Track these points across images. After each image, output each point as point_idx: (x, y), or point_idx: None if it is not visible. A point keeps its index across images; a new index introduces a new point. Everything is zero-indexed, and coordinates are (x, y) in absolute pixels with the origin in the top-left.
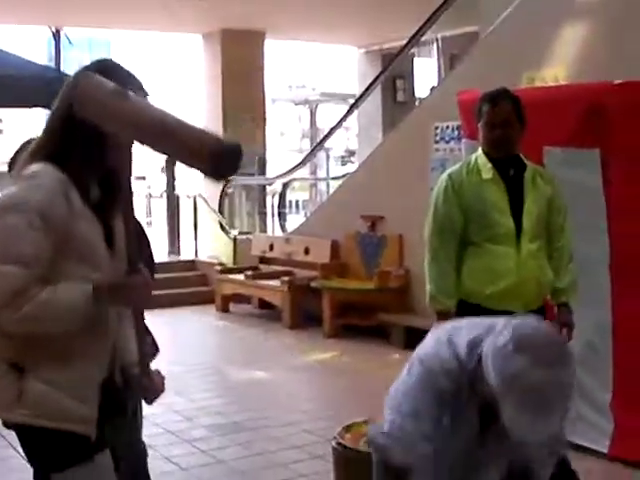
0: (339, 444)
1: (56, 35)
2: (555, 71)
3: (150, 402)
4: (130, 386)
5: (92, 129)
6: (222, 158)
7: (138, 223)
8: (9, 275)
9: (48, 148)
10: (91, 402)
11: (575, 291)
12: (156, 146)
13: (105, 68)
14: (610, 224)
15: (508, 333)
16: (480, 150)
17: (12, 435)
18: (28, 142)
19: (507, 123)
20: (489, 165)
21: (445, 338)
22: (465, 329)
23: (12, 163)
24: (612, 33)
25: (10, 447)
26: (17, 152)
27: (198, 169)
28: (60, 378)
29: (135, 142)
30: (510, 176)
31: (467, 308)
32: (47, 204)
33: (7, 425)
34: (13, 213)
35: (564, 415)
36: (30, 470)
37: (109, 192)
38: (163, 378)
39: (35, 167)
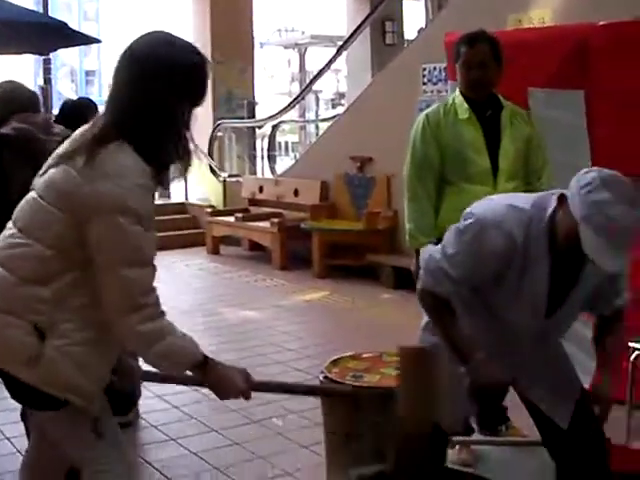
0: (326, 378)
1: None
2: (541, 12)
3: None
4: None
5: (166, 111)
6: None
7: None
8: (138, 278)
9: (123, 128)
10: (97, 384)
11: None
12: None
13: (163, 43)
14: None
15: (595, 173)
16: (457, 91)
17: None
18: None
19: (484, 64)
20: (465, 105)
21: (505, 202)
22: (522, 196)
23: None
24: None
25: None
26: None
27: None
28: (78, 354)
29: None
30: (487, 116)
31: None
32: (147, 204)
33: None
34: (126, 215)
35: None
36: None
37: (163, 169)
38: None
39: (122, 159)
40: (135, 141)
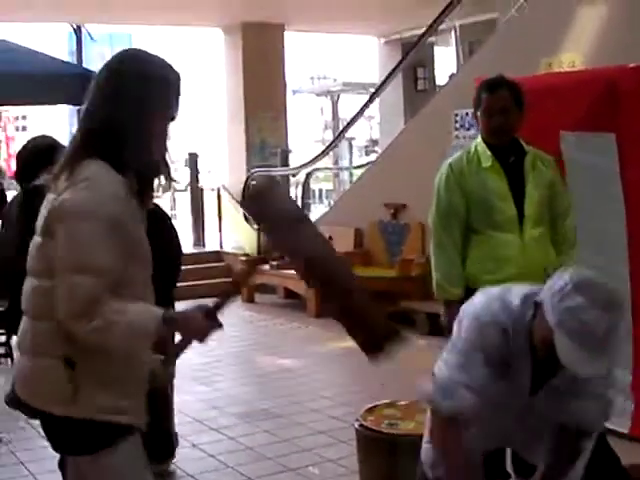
0: (362, 426)
1: (77, 31)
2: (572, 56)
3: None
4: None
5: (139, 122)
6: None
7: (164, 213)
8: (84, 285)
9: (97, 145)
10: (139, 396)
11: None
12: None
13: (137, 59)
14: (628, 207)
15: (568, 276)
16: (480, 138)
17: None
18: (34, 140)
19: (506, 110)
20: (488, 153)
21: (497, 295)
22: (515, 289)
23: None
24: (628, 16)
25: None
26: (26, 151)
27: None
28: (111, 380)
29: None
30: (510, 163)
31: (473, 295)
32: (116, 211)
33: (27, 411)
34: (86, 221)
35: (611, 360)
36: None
37: (146, 183)
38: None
39: (91, 169)
40: (107, 156)
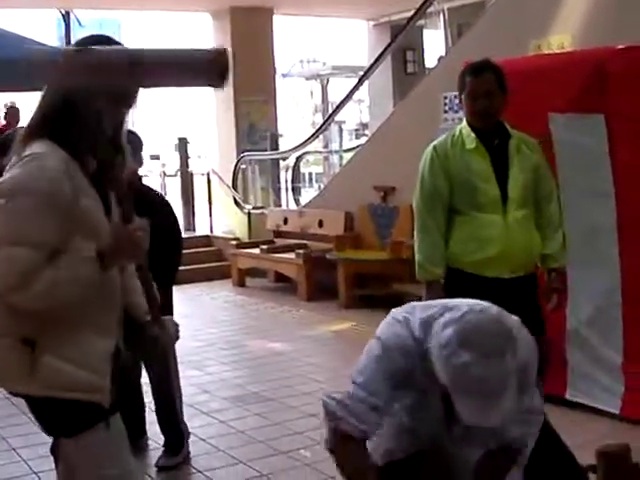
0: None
1: (66, 17)
2: (561, 38)
3: (162, 352)
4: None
5: (88, 103)
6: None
7: (164, 199)
8: (19, 257)
9: (46, 126)
10: (103, 372)
11: (564, 256)
12: (155, 82)
13: (95, 43)
14: (617, 189)
15: (451, 329)
16: (465, 121)
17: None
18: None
19: (490, 93)
20: (473, 135)
21: (401, 317)
22: (419, 309)
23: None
24: None
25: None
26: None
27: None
28: (72, 351)
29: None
30: (495, 145)
31: (455, 275)
32: (53, 185)
33: (15, 395)
34: (21, 196)
35: (514, 397)
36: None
37: (103, 163)
38: (177, 325)
39: (36, 147)
40: (55, 137)
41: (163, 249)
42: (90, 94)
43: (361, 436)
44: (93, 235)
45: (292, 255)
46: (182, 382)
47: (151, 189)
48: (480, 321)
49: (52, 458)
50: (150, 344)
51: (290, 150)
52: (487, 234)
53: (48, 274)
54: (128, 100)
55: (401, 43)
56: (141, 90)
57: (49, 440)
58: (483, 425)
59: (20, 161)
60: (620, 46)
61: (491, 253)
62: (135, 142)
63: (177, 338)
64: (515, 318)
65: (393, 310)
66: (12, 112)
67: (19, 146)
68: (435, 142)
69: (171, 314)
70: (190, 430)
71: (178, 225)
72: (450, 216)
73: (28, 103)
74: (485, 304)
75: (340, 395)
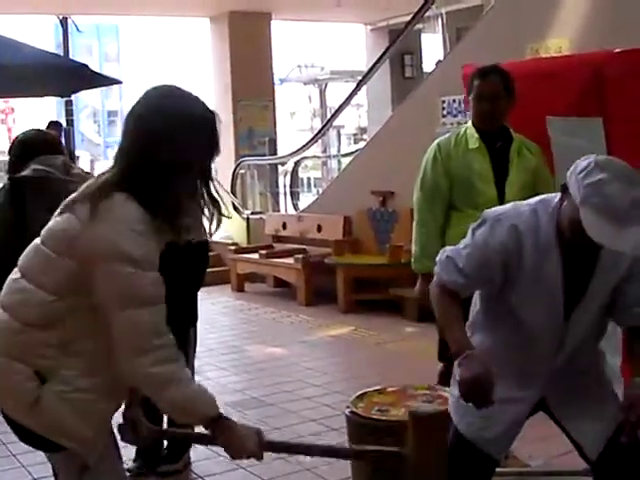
0: (352, 412)
1: (63, 22)
2: (559, 42)
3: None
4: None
5: (169, 164)
6: None
7: None
8: (143, 317)
9: (130, 182)
10: (101, 430)
11: None
12: None
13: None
14: None
15: (591, 158)
16: (470, 122)
17: None
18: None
19: (495, 96)
20: (476, 136)
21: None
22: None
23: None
24: (614, 1)
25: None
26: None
27: None
28: (78, 401)
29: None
30: (497, 148)
31: None
32: (144, 250)
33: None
34: (125, 264)
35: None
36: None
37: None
38: None
39: (122, 207)
40: (139, 193)
41: (198, 267)
42: (176, 150)
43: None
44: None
45: (291, 260)
46: None
47: None
48: (617, 160)
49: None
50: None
51: (288, 155)
52: None
53: (184, 386)
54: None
55: (399, 47)
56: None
57: None
58: (611, 247)
59: (105, 223)
60: (617, 49)
61: None
62: None
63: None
64: None
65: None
66: (54, 127)
67: (95, 195)
68: (439, 140)
69: (196, 319)
70: None
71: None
72: (448, 212)
73: (23, 108)
74: None
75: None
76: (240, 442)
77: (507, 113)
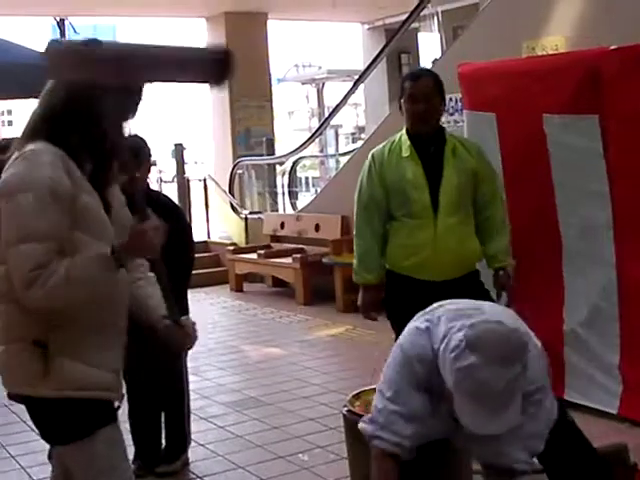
0: (349, 411)
1: (60, 24)
2: (554, 39)
3: (183, 350)
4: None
5: (89, 104)
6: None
7: (170, 199)
8: (28, 252)
9: (44, 127)
10: (115, 370)
11: (508, 256)
12: (156, 77)
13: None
14: (612, 189)
15: (461, 333)
16: (404, 129)
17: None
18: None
19: (428, 97)
20: (408, 143)
21: (424, 326)
22: (444, 320)
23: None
24: None
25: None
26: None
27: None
28: (84, 351)
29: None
30: (431, 152)
31: (394, 277)
32: (53, 180)
33: (15, 398)
34: (23, 192)
35: (516, 413)
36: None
37: (101, 164)
38: (194, 324)
39: (31, 146)
40: (52, 139)
41: (175, 253)
42: (92, 95)
43: (395, 451)
44: (95, 230)
45: (289, 260)
46: None
47: (161, 193)
48: (493, 329)
49: (51, 465)
50: (170, 345)
51: (286, 155)
52: (417, 240)
53: (62, 270)
54: (129, 103)
55: (396, 46)
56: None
57: (47, 447)
58: (482, 433)
59: (16, 159)
60: (613, 46)
61: (420, 258)
62: (141, 148)
63: (195, 338)
64: (535, 341)
65: (418, 315)
66: None
67: (16, 147)
68: (374, 150)
69: (186, 312)
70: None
71: (190, 229)
72: (389, 222)
73: (24, 110)
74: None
75: (369, 415)
76: (141, 235)
77: (440, 114)
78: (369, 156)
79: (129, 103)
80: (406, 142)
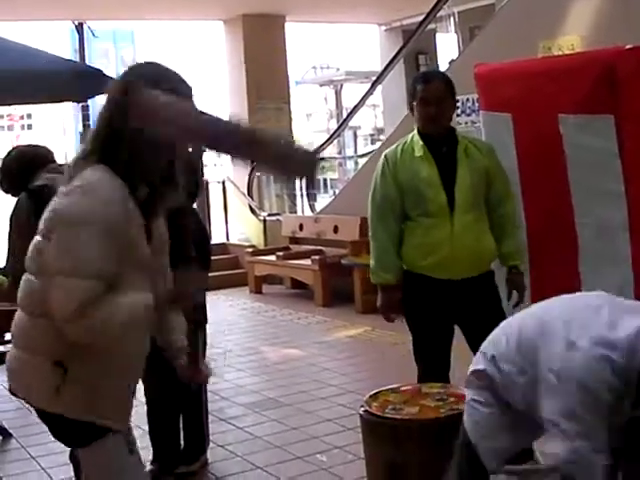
0: (366, 412)
1: (79, 28)
2: (570, 39)
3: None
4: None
5: (141, 132)
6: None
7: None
8: (77, 289)
9: (100, 152)
10: (127, 403)
11: (522, 254)
12: (238, 155)
13: (155, 73)
14: (628, 189)
15: None
16: (415, 129)
17: None
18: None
19: (440, 100)
20: (421, 143)
21: (599, 355)
22: (620, 324)
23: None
24: None
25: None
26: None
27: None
28: (100, 381)
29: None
30: (443, 153)
31: (411, 278)
32: (108, 215)
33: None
34: (80, 226)
35: None
36: None
37: (155, 191)
38: (208, 369)
39: (90, 175)
40: (111, 162)
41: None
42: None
43: None
44: (139, 265)
45: (308, 261)
46: None
47: None
48: None
49: (71, 466)
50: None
51: None
52: (434, 239)
53: (106, 308)
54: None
55: (413, 47)
56: None
57: (68, 448)
58: None
59: (76, 189)
60: (629, 46)
61: (439, 257)
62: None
63: (207, 377)
64: None
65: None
66: None
67: (72, 171)
68: (386, 151)
69: (205, 320)
70: (209, 437)
71: (206, 231)
72: (404, 222)
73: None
74: None
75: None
76: (175, 295)
77: (451, 116)
78: (382, 157)
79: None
80: (418, 142)
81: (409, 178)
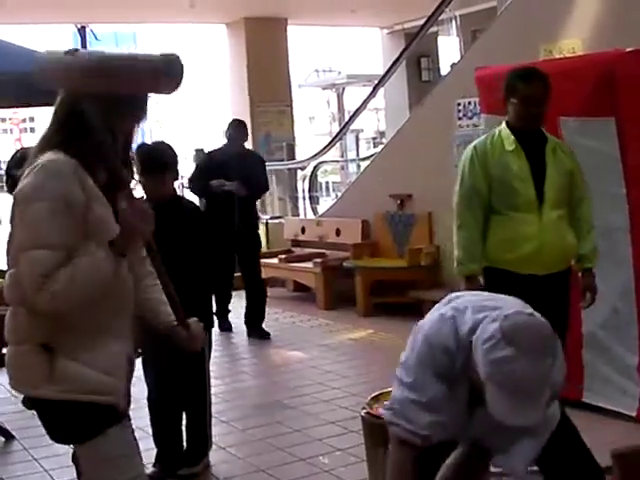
0: (367, 413)
1: (82, 31)
2: (571, 42)
3: (191, 351)
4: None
5: (97, 115)
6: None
7: (192, 203)
8: (39, 259)
9: (56, 138)
10: (119, 374)
11: (596, 257)
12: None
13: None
14: (629, 191)
15: (497, 324)
16: (504, 123)
17: None
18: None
19: (541, 102)
20: (512, 137)
21: (449, 314)
22: (470, 310)
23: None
24: (625, 1)
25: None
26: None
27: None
28: (88, 354)
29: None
30: (532, 148)
31: (493, 273)
32: (66, 189)
33: (29, 405)
34: (37, 201)
35: (543, 407)
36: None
37: (114, 172)
38: (201, 325)
39: (47, 156)
40: (68, 148)
41: (197, 256)
42: (99, 106)
43: (410, 439)
44: (106, 241)
45: (310, 264)
46: None
47: (183, 198)
48: (527, 321)
49: (74, 468)
50: (180, 348)
51: (307, 159)
52: (523, 233)
53: (65, 272)
54: (137, 114)
55: (415, 51)
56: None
57: (70, 450)
58: (512, 424)
59: (30, 171)
60: (629, 49)
61: (526, 252)
62: (167, 154)
63: (202, 339)
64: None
65: (443, 301)
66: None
67: (32, 157)
68: (475, 142)
69: (211, 324)
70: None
71: (212, 233)
72: (488, 215)
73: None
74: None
75: (389, 401)
76: (124, 226)
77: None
78: (470, 147)
79: (136, 111)
80: (509, 137)
81: (499, 171)
